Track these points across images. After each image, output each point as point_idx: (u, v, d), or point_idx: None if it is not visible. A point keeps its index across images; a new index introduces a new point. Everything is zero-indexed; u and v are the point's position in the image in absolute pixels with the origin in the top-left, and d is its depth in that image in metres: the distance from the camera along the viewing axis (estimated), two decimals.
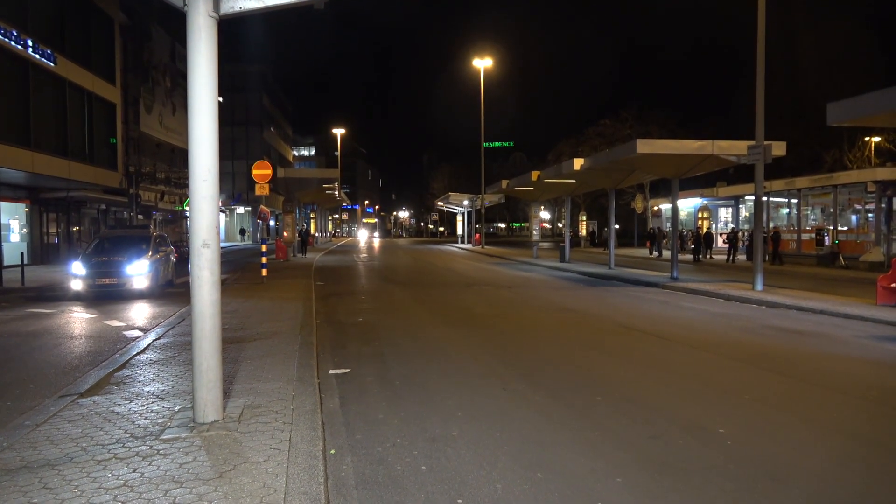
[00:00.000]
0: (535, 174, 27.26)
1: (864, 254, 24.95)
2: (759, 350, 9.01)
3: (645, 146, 17.28)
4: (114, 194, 32.07)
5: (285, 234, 32.27)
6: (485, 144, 50.60)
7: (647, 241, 38.95)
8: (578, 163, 22.20)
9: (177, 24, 37.54)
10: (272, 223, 66.71)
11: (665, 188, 45.71)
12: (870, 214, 27.89)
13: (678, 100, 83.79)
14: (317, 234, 54.09)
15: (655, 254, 35.53)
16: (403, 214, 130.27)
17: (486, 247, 47.63)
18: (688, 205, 41.50)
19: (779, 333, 10.42)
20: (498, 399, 6.48)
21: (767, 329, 10.82)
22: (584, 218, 50.72)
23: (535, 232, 35.07)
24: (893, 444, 5.24)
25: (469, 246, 51.40)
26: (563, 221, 36.36)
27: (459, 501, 4.14)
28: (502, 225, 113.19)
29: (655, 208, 46.75)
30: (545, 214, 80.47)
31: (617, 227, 54.96)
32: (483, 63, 47.08)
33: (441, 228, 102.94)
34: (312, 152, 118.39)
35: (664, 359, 8.52)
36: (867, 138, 41.74)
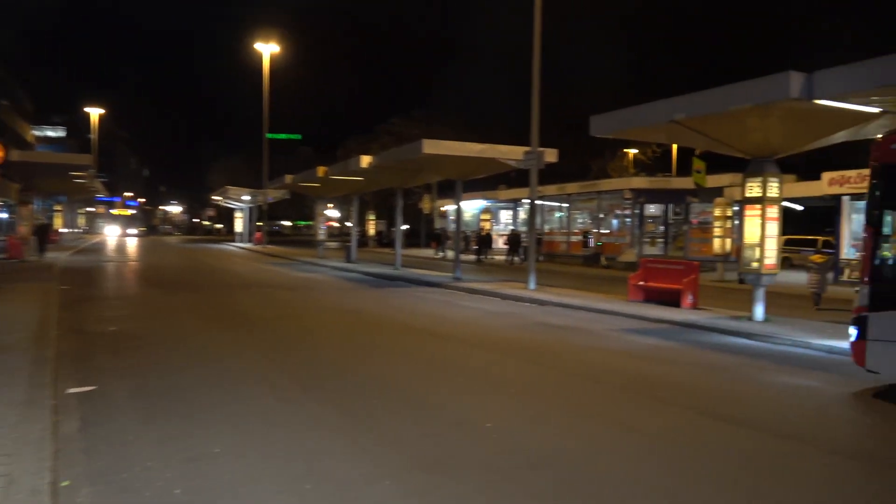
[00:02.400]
0: (321, 170, 27.04)
1: (621, 254, 28.67)
2: (528, 345, 9.91)
3: (430, 147, 18.03)
4: None
5: (20, 229, 28.22)
6: (269, 136, 48.96)
7: (433, 241, 40.68)
8: (366, 160, 22.49)
9: None
10: (3, 216, 57.78)
11: (452, 189, 48.16)
12: (627, 219, 32.10)
13: (473, 100, 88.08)
14: (62, 230, 48.08)
15: (441, 254, 37.23)
16: (174, 209, 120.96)
17: (268, 246, 46.18)
18: (472, 206, 44.19)
19: (546, 329, 11.56)
20: (270, 409, 6.33)
21: (536, 325, 11.94)
22: (373, 217, 51.47)
23: (321, 231, 34.84)
24: (632, 423, 6.10)
25: (249, 245, 49.49)
26: (352, 220, 36.67)
27: None
28: (288, 223, 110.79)
29: (442, 209, 48.98)
30: (333, 213, 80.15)
31: (406, 227, 56.68)
32: (268, 48, 45.54)
33: (218, 226, 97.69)
34: (63, 134, 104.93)
35: (441, 357, 8.99)
36: (626, 150, 48.01)
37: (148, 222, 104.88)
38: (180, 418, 5.97)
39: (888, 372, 7.33)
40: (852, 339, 7.45)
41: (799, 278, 16.60)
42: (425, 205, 45.19)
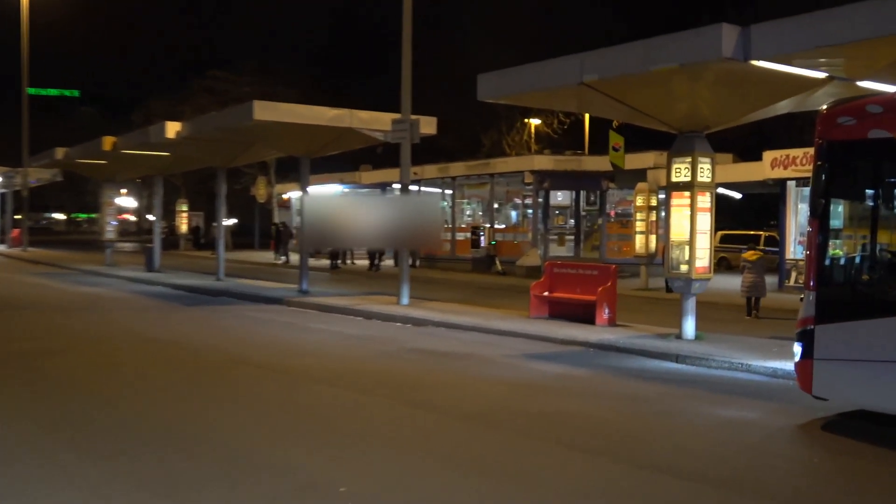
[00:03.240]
0: (108, 141, 25.92)
1: (522, 257, 29.47)
2: (399, 380, 10.05)
3: (265, 111, 17.78)
4: None
5: None
6: (31, 91, 46.38)
7: (272, 240, 40.07)
8: (173, 128, 21.82)
9: None
10: None
11: (297, 170, 47.57)
12: (528, 210, 33.06)
13: (329, 54, 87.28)
14: None
15: (282, 258, 36.76)
16: None
17: (31, 249, 43.79)
18: (325, 193, 43.88)
19: (424, 357, 11.76)
20: (32, 481, 6.04)
21: (411, 353, 12.13)
22: (186, 208, 49.90)
23: (109, 227, 33.39)
24: (531, 478, 6.32)
25: (3, 247, 46.72)
26: (155, 212, 35.22)
27: None
28: (61, 216, 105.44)
29: (284, 197, 48.31)
30: (128, 202, 76.88)
31: (233, 221, 55.38)
32: None
33: None
34: None
35: (282, 399, 8.96)
36: (527, 120, 49.34)
37: None
38: None
39: (839, 398, 8.03)
40: (797, 358, 8.09)
41: (737, 283, 17.83)
42: (260, 191, 44.38)
